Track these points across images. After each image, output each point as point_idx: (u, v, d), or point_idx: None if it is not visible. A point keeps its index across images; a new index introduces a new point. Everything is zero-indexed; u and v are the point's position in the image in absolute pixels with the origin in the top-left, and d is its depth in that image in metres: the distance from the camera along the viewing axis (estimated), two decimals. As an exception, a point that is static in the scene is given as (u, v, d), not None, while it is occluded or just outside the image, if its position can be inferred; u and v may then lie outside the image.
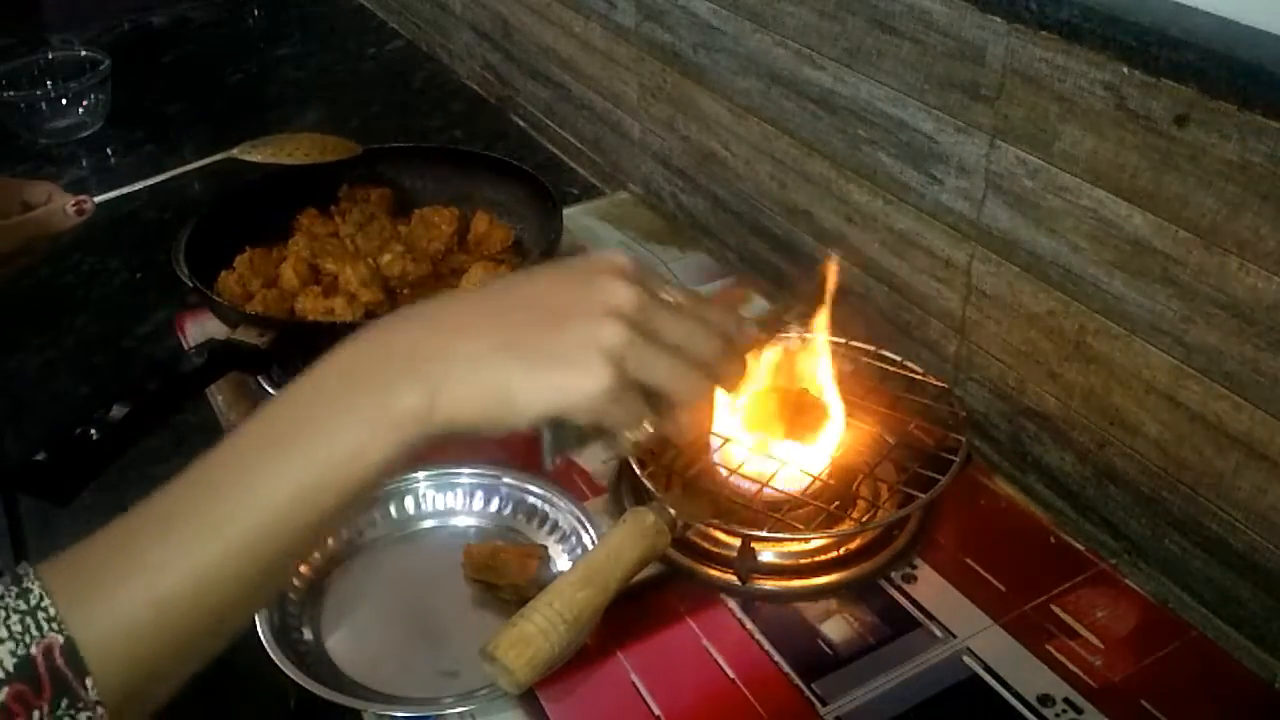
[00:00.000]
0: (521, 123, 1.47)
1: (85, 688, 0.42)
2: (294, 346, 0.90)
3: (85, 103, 1.40)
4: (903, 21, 0.82)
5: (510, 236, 1.05)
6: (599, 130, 1.30)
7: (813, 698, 0.67)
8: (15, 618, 0.42)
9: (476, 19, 1.52)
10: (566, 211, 1.02)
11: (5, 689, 0.41)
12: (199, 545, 0.45)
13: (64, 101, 1.40)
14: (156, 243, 1.06)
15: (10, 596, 0.43)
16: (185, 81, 1.60)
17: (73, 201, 0.90)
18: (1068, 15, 0.69)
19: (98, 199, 0.93)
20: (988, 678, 0.68)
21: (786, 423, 0.81)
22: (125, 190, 1.00)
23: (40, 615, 0.43)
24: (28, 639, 0.42)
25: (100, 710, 0.42)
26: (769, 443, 0.80)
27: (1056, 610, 0.72)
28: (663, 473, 0.81)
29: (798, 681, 0.68)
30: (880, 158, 0.88)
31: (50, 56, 1.47)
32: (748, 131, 1.04)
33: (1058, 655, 0.69)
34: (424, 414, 0.47)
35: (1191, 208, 0.66)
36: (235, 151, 1.09)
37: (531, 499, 0.81)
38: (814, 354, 0.83)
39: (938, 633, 0.71)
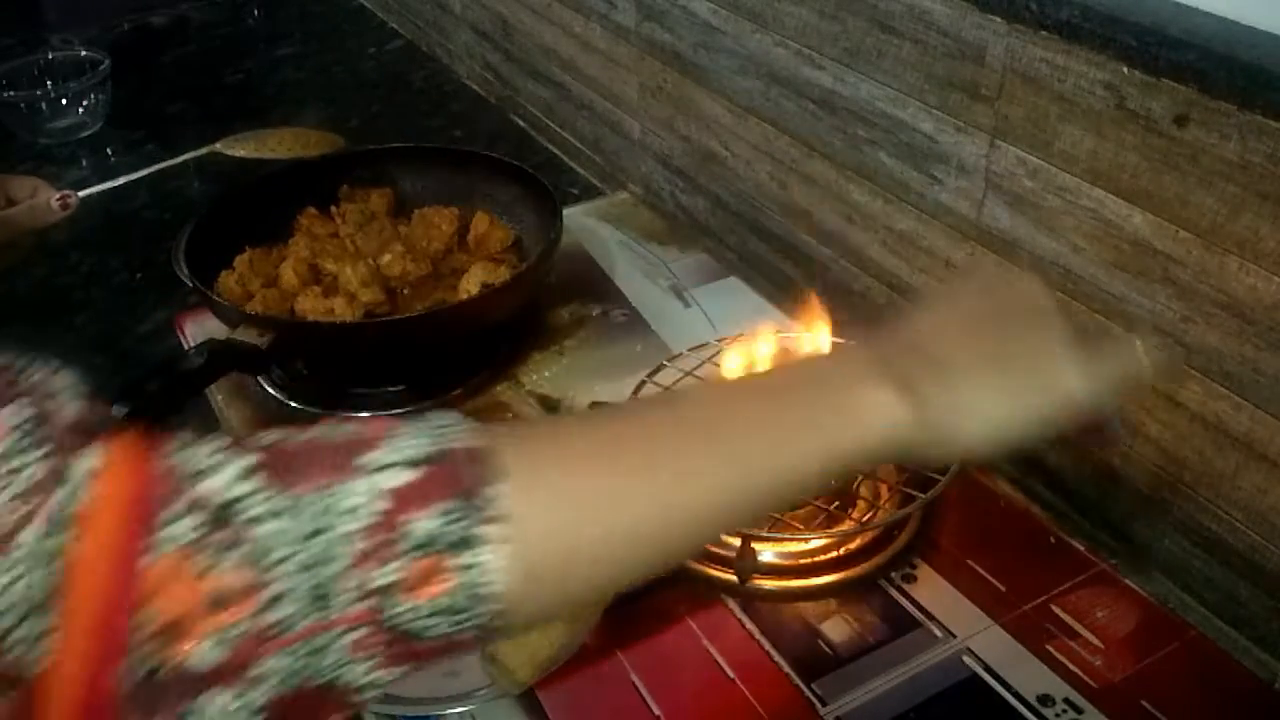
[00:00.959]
0: (521, 123, 1.47)
1: (490, 496, 0.39)
2: (294, 346, 0.90)
3: (85, 103, 1.40)
4: (903, 21, 0.82)
5: (510, 236, 1.05)
6: (599, 130, 1.30)
7: (813, 698, 0.67)
8: (422, 425, 0.41)
9: (476, 19, 1.52)
10: (566, 211, 1.02)
11: (417, 469, 0.39)
12: (671, 485, 0.44)
13: (64, 101, 1.40)
14: (156, 243, 1.06)
15: (423, 417, 0.42)
16: (185, 81, 1.60)
17: (57, 196, 0.90)
18: (1068, 15, 0.69)
19: (82, 193, 0.93)
20: (988, 678, 0.68)
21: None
22: (109, 185, 1.00)
23: (446, 422, 0.41)
24: (438, 434, 0.40)
25: (502, 528, 0.39)
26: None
27: (1056, 610, 0.72)
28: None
29: (798, 681, 0.68)
30: (880, 158, 0.88)
31: (50, 56, 1.47)
32: (748, 131, 1.04)
33: (1058, 655, 0.69)
34: (925, 429, 0.48)
35: (1191, 208, 0.66)
36: (218, 146, 1.09)
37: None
38: (812, 353, 0.83)
39: (938, 633, 0.71)
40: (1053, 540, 0.78)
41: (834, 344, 0.83)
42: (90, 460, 0.36)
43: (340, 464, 0.38)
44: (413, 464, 0.39)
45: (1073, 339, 0.51)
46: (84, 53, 1.47)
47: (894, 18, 0.82)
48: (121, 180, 1.02)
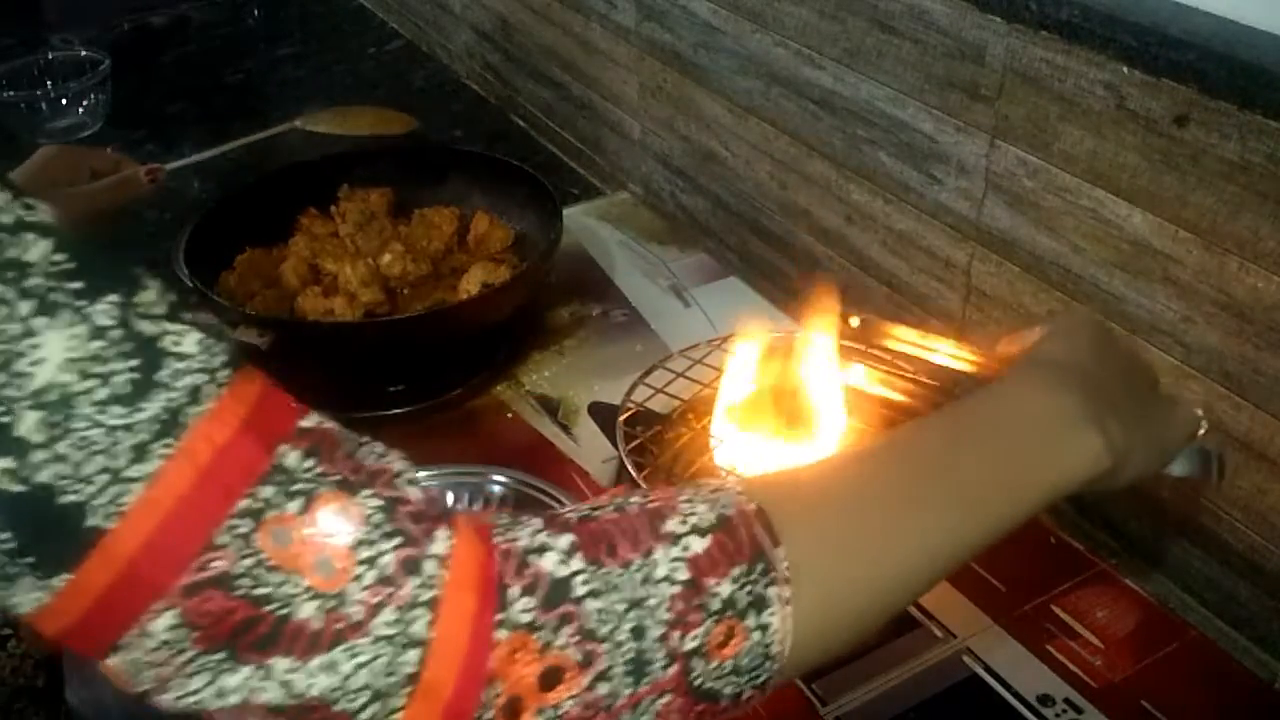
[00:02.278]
0: (521, 123, 1.47)
1: (778, 558, 0.42)
2: (294, 346, 0.90)
3: (85, 103, 1.40)
4: (903, 21, 0.82)
5: (510, 236, 1.05)
6: (599, 130, 1.31)
7: (813, 698, 0.67)
8: (707, 492, 0.43)
9: (476, 19, 1.52)
10: (566, 211, 1.02)
11: (710, 536, 0.41)
12: (923, 533, 0.47)
13: (64, 101, 1.40)
14: (156, 243, 1.06)
15: (701, 486, 0.44)
16: (185, 81, 1.59)
17: (146, 169, 0.91)
18: (1068, 15, 0.69)
19: (169, 167, 0.95)
20: (988, 678, 0.68)
21: (784, 422, 0.81)
22: (194, 159, 1.02)
23: (728, 490, 0.44)
24: (723, 501, 0.43)
25: (787, 589, 0.42)
26: (766, 443, 0.80)
27: (1056, 610, 0.72)
28: (661, 474, 0.81)
29: (798, 681, 0.68)
30: (880, 158, 0.88)
31: (50, 56, 1.47)
32: (748, 131, 1.04)
33: (1058, 655, 0.69)
34: (1110, 467, 0.50)
35: (1191, 208, 0.66)
36: (299, 123, 1.09)
37: (532, 499, 0.81)
38: (811, 353, 0.83)
39: (938, 633, 0.71)
40: (1053, 540, 0.78)
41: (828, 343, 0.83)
42: (439, 546, 0.38)
43: (643, 538, 0.41)
44: (702, 532, 0.41)
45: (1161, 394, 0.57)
46: (84, 53, 1.47)
47: (894, 18, 0.82)
48: (208, 154, 1.03)
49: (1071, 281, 0.75)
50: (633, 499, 0.43)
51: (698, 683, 0.40)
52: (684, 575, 0.40)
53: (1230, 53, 0.62)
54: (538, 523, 0.41)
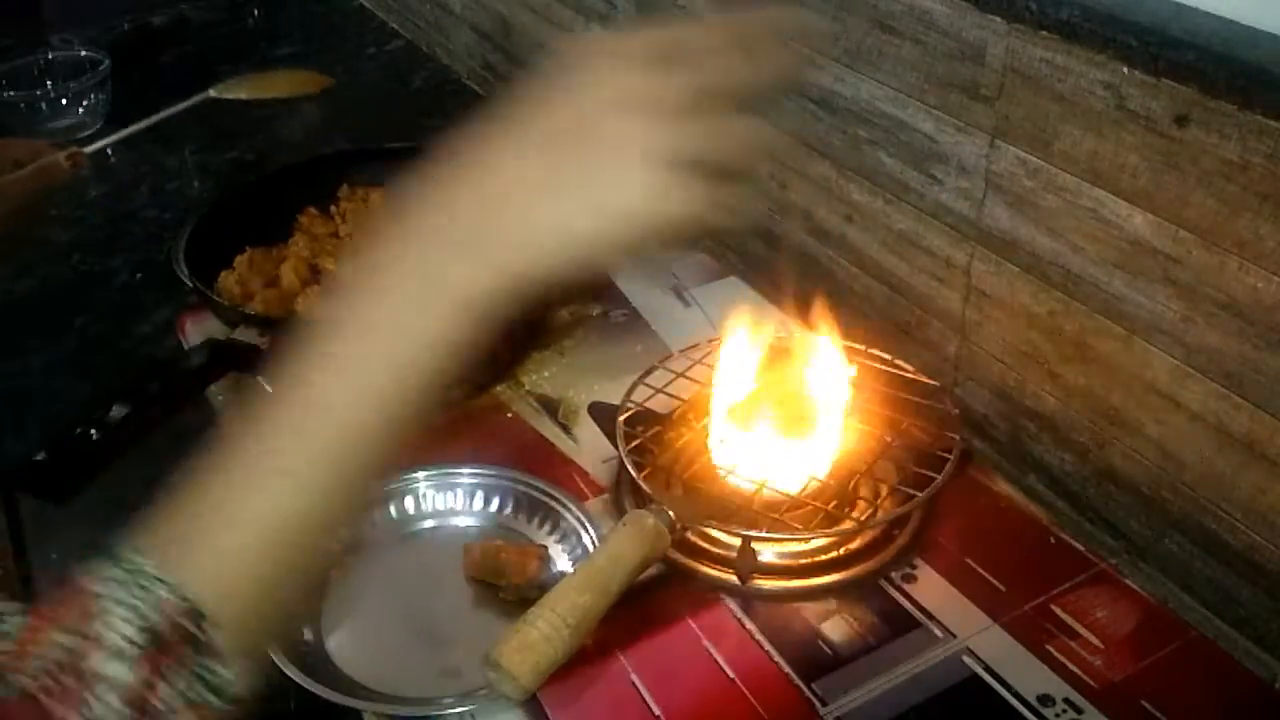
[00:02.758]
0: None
1: (216, 642, 0.44)
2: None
3: (85, 103, 1.40)
4: (903, 21, 0.82)
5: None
6: (599, 130, 1.30)
7: (813, 698, 0.67)
8: (131, 591, 0.44)
9: (476, 19, 1.52)
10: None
11: (140, 658, 0.42)
12: (289, 472, 0.47)
13: (64, 101, 1.40)
14: (156, 243, 1.06)
15: (118, 573, 0.44)
16: (185, 81, 1.59)
17: (65, 154, 0.91)
18: (1068, 15, 0.69)
19: (87, 150, 0.94)
20: (988, 678, 0.68)
21: (784, 422, 0.81)
22: (111, 139, 1.01)
23: (145, 579, 0.44)
24: (145, 605, 0.43)
25: (230, 661, 0.44)
26: (766, 443, 0.80)
27: (1056, 610, 0.72)
28: (661, 474, 0.81)
29: (798, 681, 0.68)
30: (880, 158, 0.88)
31: (50, 56, 1.47)
32: (748, 131, 1.03)
33: (1058, 655, 0.69)
34: (491, 283, 0.47)
35: (1191, 208, 0.66)
36: (212, 92, 1.09)
37: (531, 499, 0.81)
38: (810, 354, 0.83)
39: (938, 633, 0.71)
40: (1053, 540, 0.78)
41: (826, 343, 0.83)
42: None
43: (82, 684, 0.42)
44: (127, 660, 0.42)
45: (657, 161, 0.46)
46: (84, 53, 1.47)
47: (894, 18, 0.82)
48: (125, 132, 1.02)
49: (1071, 281, 0.75)
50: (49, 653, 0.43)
51: None
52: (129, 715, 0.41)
53: (1230, 53, 0.62)
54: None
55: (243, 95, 1.12)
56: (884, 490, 0.80)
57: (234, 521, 0.46)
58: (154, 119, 1.05)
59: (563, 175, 0.47)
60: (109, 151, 1.37)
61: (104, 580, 0.44)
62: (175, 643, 0.43)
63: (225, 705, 0.44)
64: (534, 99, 0.49)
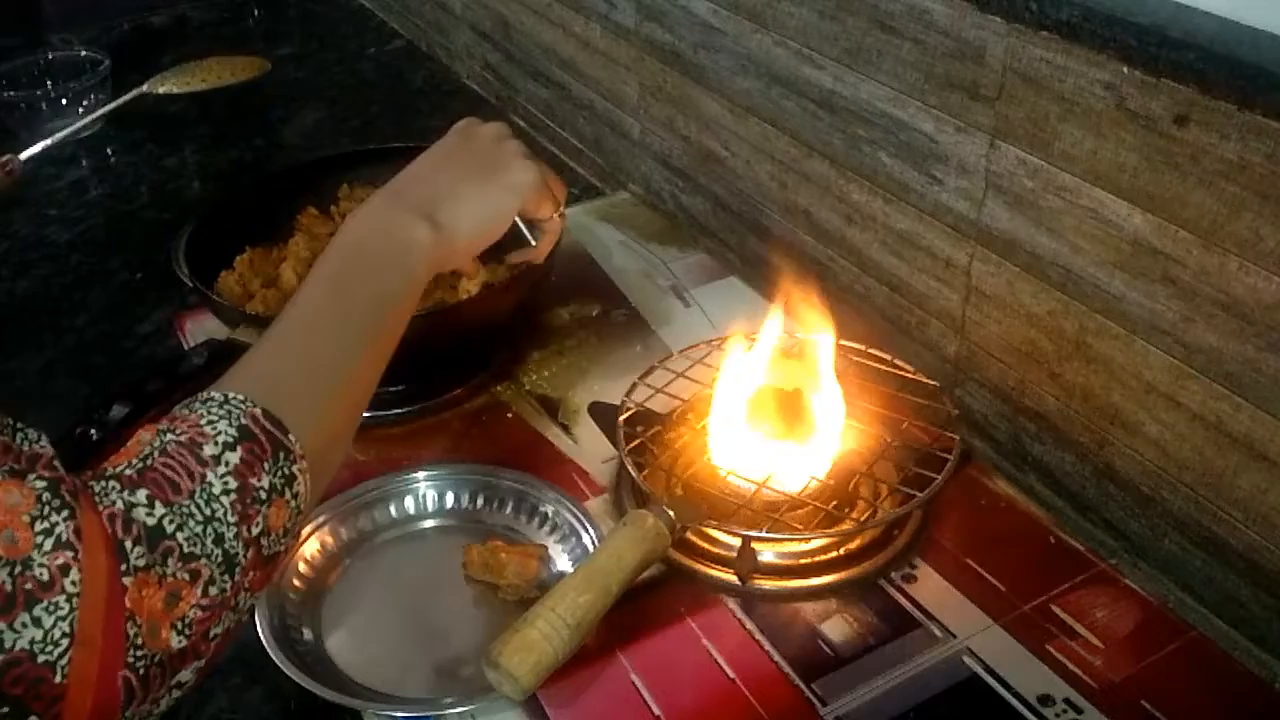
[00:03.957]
0: (521, 123, 1.47)
1: (291, 441, 0.56)
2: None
3: (85, 103, 1.40)
4: (903, 21, 0.82)
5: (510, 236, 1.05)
6: (599, 130, 1.31)
7: (813, 698, 0.67)
8: (220, 409, 0.55)
9: (476, 19, 1.52)
10: (566, 211, 1.01)
11: (240, 447, 0.54)
12: (337, 346, 0.64)
13: (64, 101, 1.40)
14: (156, 243, 1.06)
15: (207, 402, 0.56)
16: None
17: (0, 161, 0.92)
18: (1068, 15, 0.69)
19: (23, 156, 0.94)
20: (988, 678, 0.68)
21: (784, 423, 0.81)
22: (48, 142, 1.01)
23: (235, 401, 0.56)
24: (236, 413, 0.55)
25: (304, 462, 0.57)
26: (767, 443, 0.80)
27: (1056, 610, 0.72)
28: (661, 474, 0.81)
29: (798, 681, 0.68)
30: (880, 158, 0.88)
31: (50, 56, 1.47)
32: (748, 131, 1.04)
33: (1058, 655, 0.69)
34: (445, 240, 0.72)
35: (1191, 208, 0.66)
36: (145, 87, 1.08)
37: (531, 499, 0.81)
38: (810, 354, 0.83)
39: (938, 633, 0.71)
40: (1053, 540, 0.78)
41: (826, 344, 0.83)
42: (76, 518, 0.47)
43: (193, 469, 0.52)
44: (232, 446, 0.54)
45: (523, 162, 0.78)
46: (84, 53, 1.47)
47: (894, 18, 0.82)
48: (59, 137, 1.03)
49: (1071, 281, 0.75)
50: (167, 436, 0.54)
51: (266, 553, 0.54)
52: (234, 484, 0.53)
53: (1230, 53, 0.62)
54: (115, 484, 0.50)
55: (178, 88, 1.12)
56: (884, 490, 0.80)
57: (301, 366, 0.62)
58: (90, 118, 1.05)
59: (478, 171, 0.77)
60: (109, 152, 1.38)
61: (201, 400, 0.56)
62: (265, 443, 0.55)
63: (300, 509, 0.57)
64: (454, 135, 0.80)
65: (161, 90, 1.10)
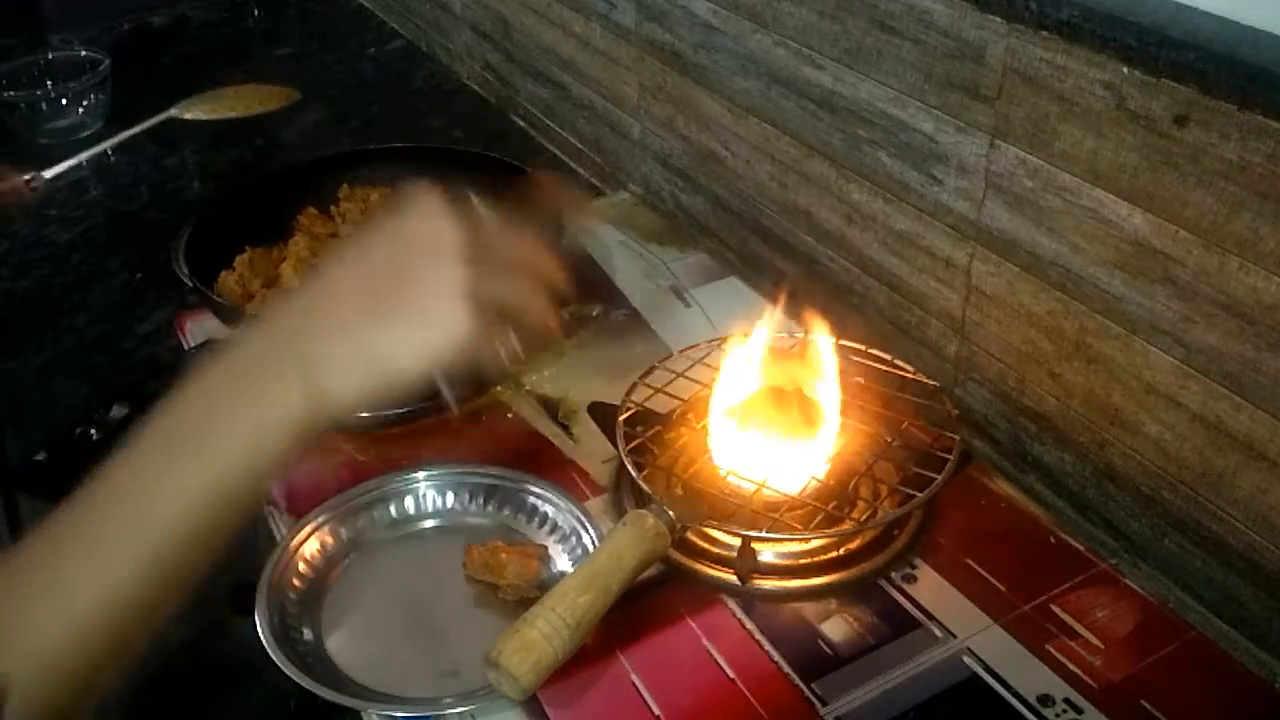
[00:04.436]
0: (521, 123, 1.47)
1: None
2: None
3: (85, 103, 1.40)
4: (903, 21, 0.82)
5: (510, 236, 1.05)
6: (599, 130, 1.30)
7: (813, 698, 0.67)
8: None
9: (476, 19, 1.52)
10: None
11: None
12: (106, 565, 0.49)
13: (64, 101, 1.40)
14: (156, 243, 1.06)
15: None
16: (185, 81, 1.59)
17: (25, 179, 0.92)
18: (1068, 15, 0.69)
19: (47, 174, 0.95)
20: (988, 678, 0.68)
21: (783, 423, 0.81)
22: (71, 162, 1.01)
23: None
24: None
25: None
26: (766, 443, 0.80)
27: (1056, 610, 0.72)
28: (661, 474, 0.81)
29: (798, 681, 0.68)
30: (880, 158, 0.88)
31: (50, 56, 1.47)
32: (748, 131, 1.04)
33: (1058, 655, 0.69)
34: (313, 406, 0.52)
35: (1191, 208, 0.66)
36: (174, 111, 1.08)
37: (531, 499, 0.81)
38: (810, 354, 0.83)
39: (938, 633, 0.71)
40: (1053, 540, 0.78)
41: (825, 344, 0.83)
42: None
43: None
44: None
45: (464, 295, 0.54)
46: (84, 53, 1.47)
47: (894, 18, 0.82)
48: (84, 155, 1.02)
49: (1071, 281, 0.75)
50: None
51: None
52: None
53: (1230, 53, 0.62)
54: None
55: (205, 114, 1.11)
56: (884, 490, 0.80)
57: (54, 602, 0.48)
58: (116, 139, 1.04)
59: (388, 309, 0.54)
60: (109, 153, 1.38)
61: None
62: None
63: None
64: (369, 242, 0.56)
65: (188, 116, 1.10)
